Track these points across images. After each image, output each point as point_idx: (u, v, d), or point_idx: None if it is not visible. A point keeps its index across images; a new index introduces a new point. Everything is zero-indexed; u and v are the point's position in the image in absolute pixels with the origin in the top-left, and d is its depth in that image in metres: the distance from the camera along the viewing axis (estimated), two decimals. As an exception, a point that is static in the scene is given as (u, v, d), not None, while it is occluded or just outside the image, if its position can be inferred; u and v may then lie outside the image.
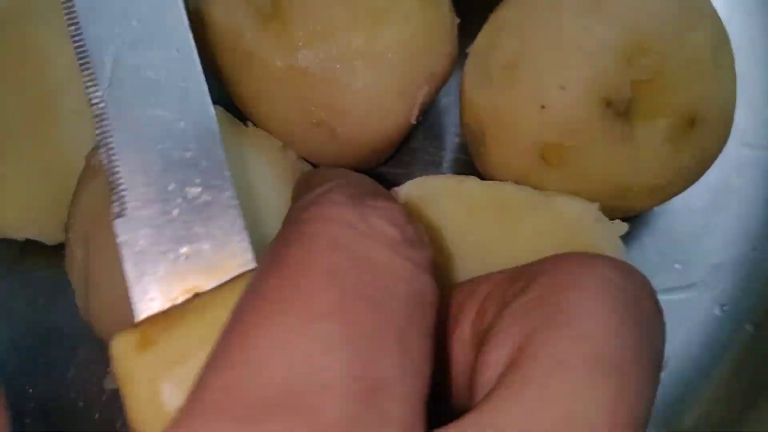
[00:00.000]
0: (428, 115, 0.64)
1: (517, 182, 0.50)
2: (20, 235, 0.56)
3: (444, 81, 0.54)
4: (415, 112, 0.52)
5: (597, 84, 0.46)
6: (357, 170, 0.52)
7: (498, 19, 0.52)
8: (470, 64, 0.53)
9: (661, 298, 0.58)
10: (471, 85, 0.53)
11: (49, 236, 0.57)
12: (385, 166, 0.63)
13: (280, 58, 0.50)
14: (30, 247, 0.59)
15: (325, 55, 0.49)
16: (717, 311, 0.60)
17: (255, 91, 0.53)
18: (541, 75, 0.47)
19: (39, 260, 0.60)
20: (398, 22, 0.50)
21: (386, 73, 0.50)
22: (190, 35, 0.39)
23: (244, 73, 0.52)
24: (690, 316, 0.60)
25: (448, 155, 0.64)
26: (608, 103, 0.46)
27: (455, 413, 0.29)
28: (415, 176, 0.62)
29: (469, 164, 0.63)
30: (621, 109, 0.47)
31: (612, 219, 0.48)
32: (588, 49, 0.46)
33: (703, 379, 0.58)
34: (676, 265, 0.61)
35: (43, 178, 0.56)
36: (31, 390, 0.57)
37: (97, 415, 0.57)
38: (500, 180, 0.51)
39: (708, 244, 0.62)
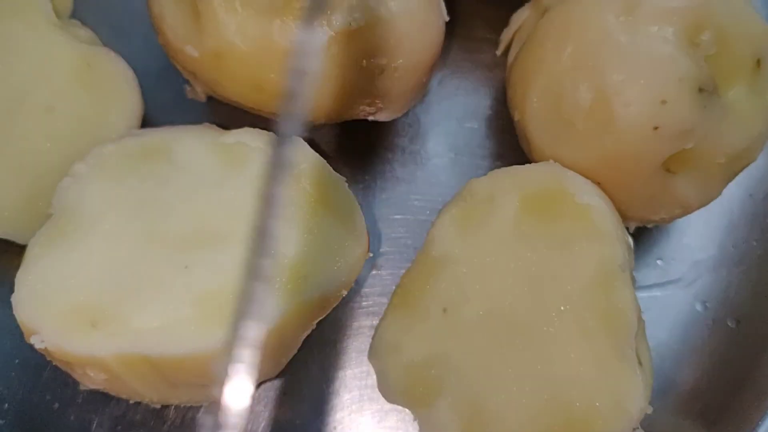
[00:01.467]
0: (410, 113, 0.64)
1: (645, 205, 0.52)
2: (-7, 233, 0.55)
3: None
4: (443, 9, 0.56)
5: (687, 79, 0.47)
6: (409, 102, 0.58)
7: (545, 68, 0.51)
8: (532, 122, 0.53)
9: (644, 294, 0.60)
10: (549, 141, 0.52)
11: (22, 235, 0.56)
12: (365, 161, 0.63)
13: (319, 33, 0.51)
14: (3, 247, 0.58)
15: (354, 4, 0.51)
16: (699, 307, 0.60)
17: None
18: (636, 103, 0.47)
19: (12, 259, 0.59)
20: None
21: None
22: None
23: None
24: (672, 312, 0.60)
25: (429, 152, 0.64)
26: (701, 89, 0.48)
27: None
28: (397, 173, 0.63)
29: (451, 161, 0.63)
30: (710, 88, 0.48)
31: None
32: (661, 53, 0.47)
33: (684, 374, 0.59)
34: (659, 261, 0.61)
35: (15, 176, 0.55)
36: (5, 391, 0.57)
37: (72, 417, 0.57)
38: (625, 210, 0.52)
39: (690, 240, 0.62)
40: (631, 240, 0.49)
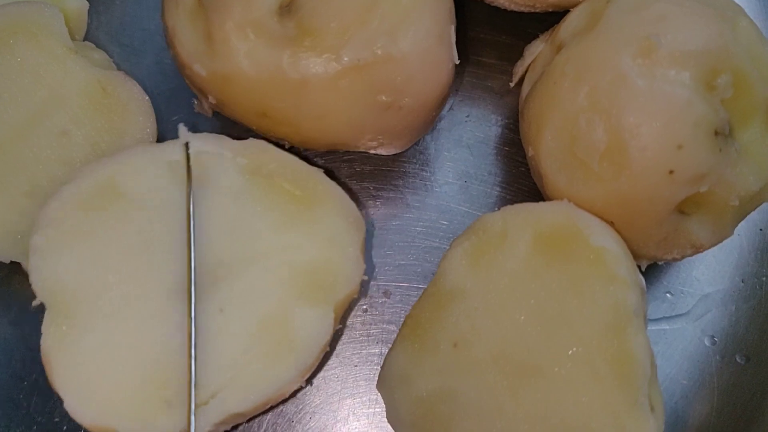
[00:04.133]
0: (421, 140, 0.64)
1: (657, 245, 0.51)
2: (5, 257, 0.56)
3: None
4: (455, 51, 0.55)
5: (703, 123, 0.47)
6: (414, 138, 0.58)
7: (560, 107, 0.51)
8: (545, 159, 0.52)
9: (653, 327, 0.60)
10: (563, 179, 0.52)
11: (35, 259, 0.56)
12: (375, 188, 0.64)
13: (328, 66, 0.51)
14: (15, 269, 0.58)
15: (364, 39, 0.51)
16: (707, 342, 0.60)
17: (319, 111, 0.53)
18: (652, 147, 0.47)
19: (24, 282, 0.59)
20: None
21: (421, 25, 0.52)
22: None
23: (302, 103, 0.52)
24: (680, 346, 0.60)
25: (439, 179, 0.64)
26: (716, 133, 0.47)
27: None
28: (407, 200, 0.63)
29: (461, 188, 0.63)
30: (726, 131, 0.48)
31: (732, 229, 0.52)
32: (678, 97, 0.47)
33: (693, 410, 0.58)
34: (668, 294, 0.61)
35: (29, 200, 0.55)
36: (16, 412, 0.57)
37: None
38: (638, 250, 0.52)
39: (699, 273, 0.62)
40: (644, 283, 0.49)
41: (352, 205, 0.55)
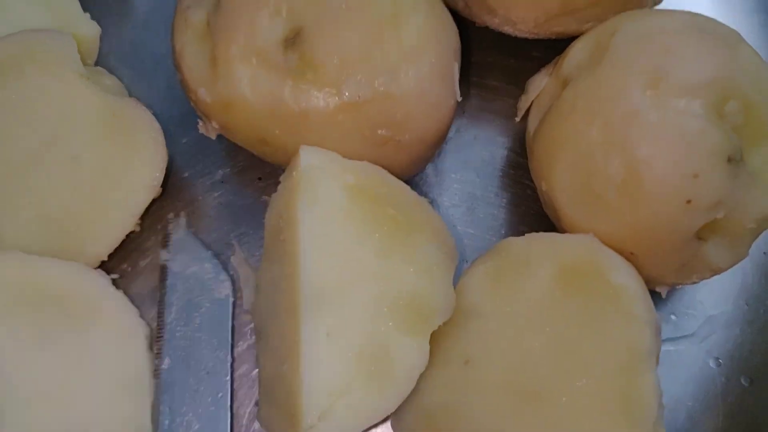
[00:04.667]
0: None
1: (677, 272, 0.52)
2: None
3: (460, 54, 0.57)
4: (457, 89, 0.56)
5: (717, 151, 0.47)
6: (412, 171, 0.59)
7: (573, 142, 0.51)
8: (560, 194, 0.53)
9: (657, 349, 0.60)
10: (580, 213, 0.52)
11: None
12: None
13: (329, 100, 0.51)
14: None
15: (366, 76, 0.51)
16: (712, 364, 0.60)
17: (317, 142, 0.53)
18: (668, 177, 0.47)
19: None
20: (410, 14, 0.53)
21: (424, 63, 0.53)
22: None
23: (302, 133, 0.53)
24: (685, 367, 0.60)
25: (446, 201, 0.65)
26: (730, 159, 0.48)
27: None
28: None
29: (467, 210, 0.64)
30: (738, 156, 0.48)
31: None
32: (691, 126, 0.47)
33: (698, 431, 0.59)
34: (672, 316, 0.62)
35: (40, 225, 0.56)
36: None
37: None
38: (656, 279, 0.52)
39: (703, 296, 0.62)
40: (660, 323, 0.50)
41: (450, 236, 0.55)
